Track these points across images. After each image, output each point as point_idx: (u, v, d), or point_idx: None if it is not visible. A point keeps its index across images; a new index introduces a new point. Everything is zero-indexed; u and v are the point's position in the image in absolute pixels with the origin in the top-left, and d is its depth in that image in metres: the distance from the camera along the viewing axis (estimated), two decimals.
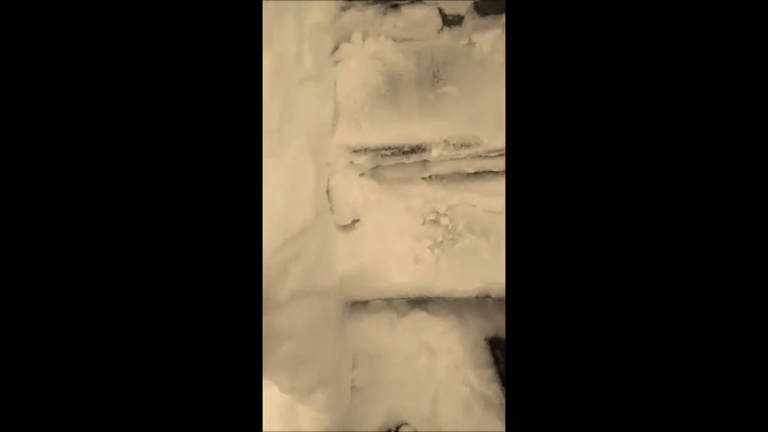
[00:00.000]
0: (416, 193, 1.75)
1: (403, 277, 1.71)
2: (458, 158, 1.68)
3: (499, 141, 1.62)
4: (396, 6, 1.71)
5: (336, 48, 1.71)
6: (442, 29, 1.71)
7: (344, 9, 1.68)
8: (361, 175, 1.74)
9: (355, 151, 1.69)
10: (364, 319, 1.80)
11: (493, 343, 1.77)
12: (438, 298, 1.74)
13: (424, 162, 1.72)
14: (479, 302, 1.74)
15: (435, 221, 1.73)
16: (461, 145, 1.65)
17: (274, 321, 1.15)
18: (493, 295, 1.69)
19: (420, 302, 1.78)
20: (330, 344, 1.47)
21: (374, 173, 1.75)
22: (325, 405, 1.26)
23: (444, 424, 1.72)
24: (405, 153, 1.69)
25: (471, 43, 1.67)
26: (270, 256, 1.12)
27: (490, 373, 1.72)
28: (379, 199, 1.73)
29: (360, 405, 1.67)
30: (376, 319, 1.79)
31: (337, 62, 1.72)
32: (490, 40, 1.64)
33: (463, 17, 1.70)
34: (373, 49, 1.73)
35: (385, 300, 1.78)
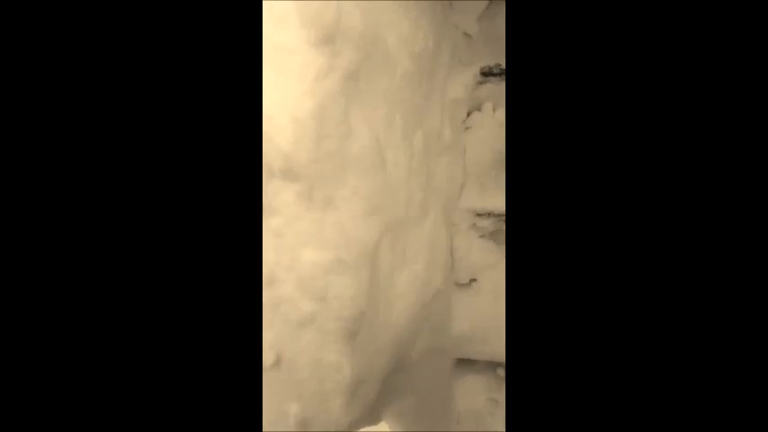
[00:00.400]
0: None
1: None
2: None
3: None
4: None
5: (468, 116, 1.81)
6: None
7: (481, 83, 1.79)
8: (481, 236, 1.80)
9: (479, 215, 1.77)
10: (469, 378, 1.83)
11: None
12: None
13: None
14: None
15: None
16: None
17: (401, 378, 1.24)
18: None
19: None
20: (441, 399, 1.53)
21: (493, 235, 1.82)
22: None
23: None
24: None
25: None
26: (408, 322, 1.22)
27: None
28: (496, 261, 1.79)
29: None
30: (480, 379, 1.82)
31: (467, 129, 1.83)
32: None
33: None
34: (502, 118, 1.81)
35: (492, 362, 1.80)
